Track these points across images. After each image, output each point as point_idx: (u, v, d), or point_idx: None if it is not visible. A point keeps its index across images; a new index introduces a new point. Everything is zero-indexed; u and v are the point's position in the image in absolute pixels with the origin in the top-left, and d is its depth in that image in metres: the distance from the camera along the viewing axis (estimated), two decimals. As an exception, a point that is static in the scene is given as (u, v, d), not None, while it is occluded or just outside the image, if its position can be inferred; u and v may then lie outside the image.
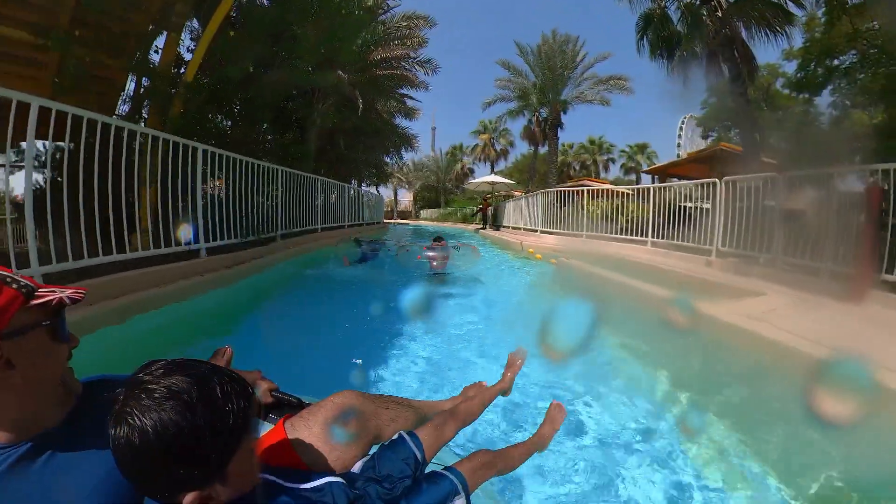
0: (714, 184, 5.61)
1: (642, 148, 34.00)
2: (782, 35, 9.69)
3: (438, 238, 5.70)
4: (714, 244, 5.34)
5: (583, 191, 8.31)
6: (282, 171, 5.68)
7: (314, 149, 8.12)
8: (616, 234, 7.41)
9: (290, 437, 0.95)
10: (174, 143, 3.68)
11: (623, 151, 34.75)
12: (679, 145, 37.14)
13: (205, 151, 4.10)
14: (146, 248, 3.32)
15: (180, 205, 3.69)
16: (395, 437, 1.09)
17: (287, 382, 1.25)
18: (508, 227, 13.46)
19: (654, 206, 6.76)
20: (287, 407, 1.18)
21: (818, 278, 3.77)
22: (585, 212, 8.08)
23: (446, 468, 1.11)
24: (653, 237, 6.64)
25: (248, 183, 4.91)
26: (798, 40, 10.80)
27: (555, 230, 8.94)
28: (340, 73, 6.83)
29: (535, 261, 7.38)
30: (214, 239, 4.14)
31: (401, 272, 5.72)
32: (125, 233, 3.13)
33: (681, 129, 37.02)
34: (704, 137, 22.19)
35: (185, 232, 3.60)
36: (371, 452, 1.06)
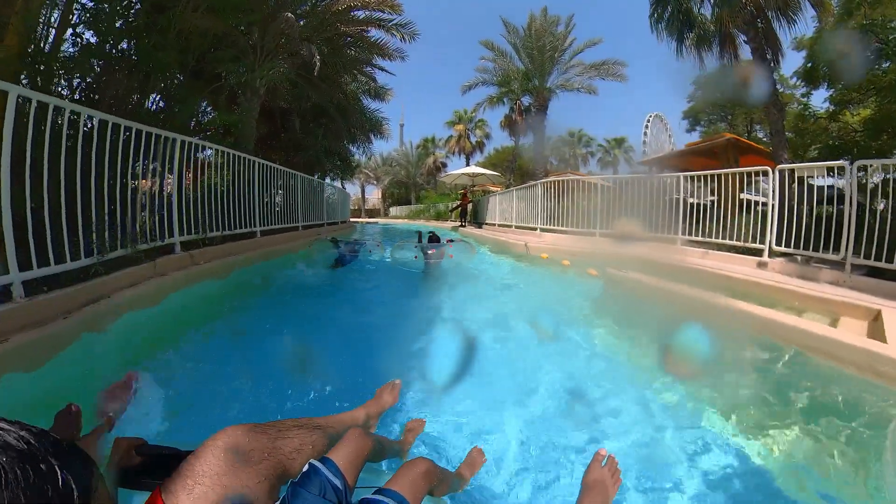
0: (766, 172, 4.76)
1: (620, 142, 33.72)
2: (794, 23, 8.95)
3: (433, 236, 5.99)
4: (767, 242, 4.56)
5: (598, 182, 7.00)
6: (181, 141, 3.50)
7: (259, 128, 6.20)
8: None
9: None
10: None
11: (601, 145, 34.29)
12: (645, 143, 38.38)
13: (26, 99, 2.24)
14: None
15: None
16: (304, 468, 0.87)
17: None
18: (494, 224, 12.10)
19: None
20: (166, 463, 0.90)
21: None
22: (598, 207, 6.88)
23: (379, 491, 0.89)
24: (682, 234, 5.68)
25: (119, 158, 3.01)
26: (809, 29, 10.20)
27: (559, 227, 7.67)
28: (289, 14, 4.93)
29: (544, 264, 6.07)
30: (43, 262, 2.25)
31: (380, 280, 5.15)
32: None
33: (646, 126, 38.25)
34: (690, 131, 21.98)
35: None
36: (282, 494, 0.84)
